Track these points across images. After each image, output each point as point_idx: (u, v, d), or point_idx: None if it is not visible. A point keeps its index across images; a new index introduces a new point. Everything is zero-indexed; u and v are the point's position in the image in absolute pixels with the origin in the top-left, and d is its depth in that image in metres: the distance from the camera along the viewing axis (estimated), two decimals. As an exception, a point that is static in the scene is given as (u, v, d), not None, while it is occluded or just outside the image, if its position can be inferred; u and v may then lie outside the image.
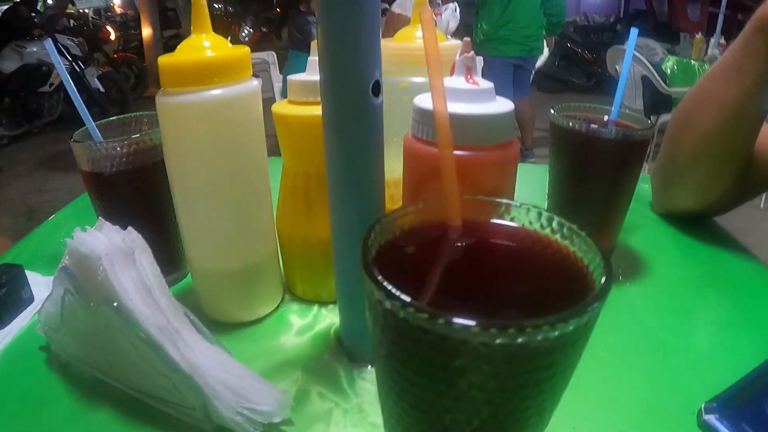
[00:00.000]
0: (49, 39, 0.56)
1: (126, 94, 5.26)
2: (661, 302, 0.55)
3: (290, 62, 3.52)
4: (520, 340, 0.19)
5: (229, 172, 0.44)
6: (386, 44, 0.43)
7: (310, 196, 0.48)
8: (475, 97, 0.35)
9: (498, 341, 0.19)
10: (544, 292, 0.24)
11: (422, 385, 0.22)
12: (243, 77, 0.43)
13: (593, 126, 0.52)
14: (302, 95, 0.46)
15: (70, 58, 4.85)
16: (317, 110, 0.38)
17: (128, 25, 8.81)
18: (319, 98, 0.37)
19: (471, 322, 0.18)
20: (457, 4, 4.40)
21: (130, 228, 0.41)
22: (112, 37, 6.13)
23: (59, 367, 0.44)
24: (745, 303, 0.55)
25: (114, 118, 0.58)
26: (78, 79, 4.89)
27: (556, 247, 0.26)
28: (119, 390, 0.40)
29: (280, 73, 3.85)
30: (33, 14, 4.98)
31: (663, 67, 4.48)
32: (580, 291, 0.23)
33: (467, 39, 0.37)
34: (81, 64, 4.91)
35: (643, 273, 0.60)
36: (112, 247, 0.37)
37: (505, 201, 0.28)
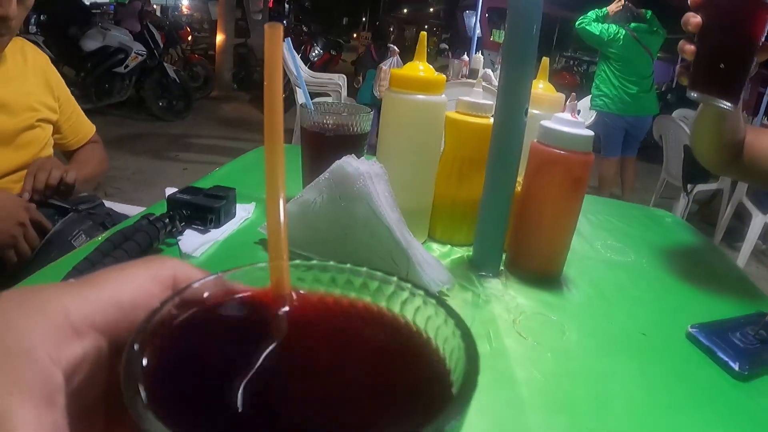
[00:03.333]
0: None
1: (190, 93, 5.56)
2: (663, 277, 0.80)
3: (367, 80, 4.22)
4: None
5: (416, 144, 0.72)
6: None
7: (462, 171, 0.75)
8: (572, 125, 0.64)
9: None
10: (393, 398, 0.20)
11: None
12: (437, 92, 0.72)
13: None
14: (468, 110, 0.74)
15: (152, 45, 5.20)
16: (476, 120, 0.70)
17: (194, 27, 9.29)
18: (477, 113, 0.69)
19: None
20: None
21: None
22: (189, 37, 6.61)
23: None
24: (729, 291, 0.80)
25: (329, 102, 0.85)
26: (158, 65, 5.24)
27: (418, 341, 0.21)
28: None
29: (348, 96, 4.35)
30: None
31: (706, 141, 4.61)
32: (434, 402, 0.19)
33: (573, 94, 0.67)
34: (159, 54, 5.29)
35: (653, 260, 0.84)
36: (370, 170, 0.63)
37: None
